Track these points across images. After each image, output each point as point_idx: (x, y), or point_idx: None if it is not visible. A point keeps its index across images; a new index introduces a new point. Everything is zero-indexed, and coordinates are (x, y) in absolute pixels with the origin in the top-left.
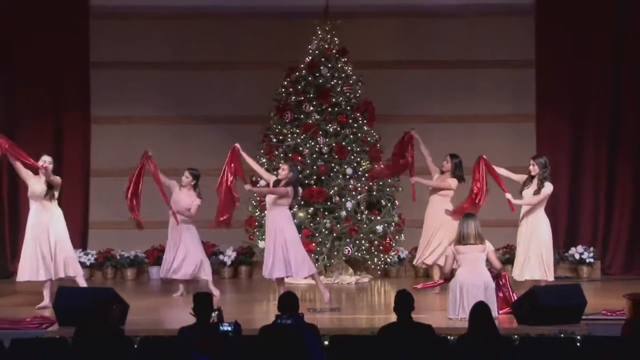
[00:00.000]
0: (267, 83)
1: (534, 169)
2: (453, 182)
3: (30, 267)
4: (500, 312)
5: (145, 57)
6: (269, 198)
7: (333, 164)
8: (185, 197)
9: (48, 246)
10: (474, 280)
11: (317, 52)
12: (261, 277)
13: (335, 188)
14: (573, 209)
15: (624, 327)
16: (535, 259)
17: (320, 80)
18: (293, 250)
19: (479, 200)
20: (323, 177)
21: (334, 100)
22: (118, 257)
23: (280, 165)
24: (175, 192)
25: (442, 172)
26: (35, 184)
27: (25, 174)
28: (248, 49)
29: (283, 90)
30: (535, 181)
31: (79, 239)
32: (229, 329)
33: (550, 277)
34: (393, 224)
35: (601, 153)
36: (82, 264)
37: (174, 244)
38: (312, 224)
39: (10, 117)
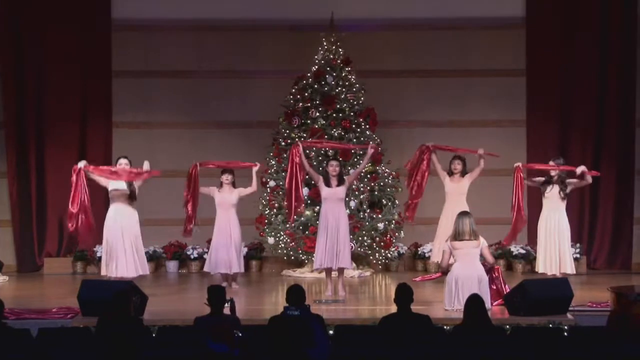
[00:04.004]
0: (276, 90)
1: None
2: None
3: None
4: (493, 303)
5: (164, 66)
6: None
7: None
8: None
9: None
10: (468, 274)
11: (323, 62)
12: (270, 271)
13: None
14: None
15: (608, 318)
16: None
17: (326, 88)
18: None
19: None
20: None
21: (338, 106)
22: None
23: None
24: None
25: (450, 174)
26: (118, 185)
27: (105, 181)
28: (259, 59)
29: (291, 97)
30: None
31: (102, 235)
32: (240, 334)
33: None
34: (393, 221)
35: (587, 154)
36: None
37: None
38: (317, 222)
39: (39, 123)
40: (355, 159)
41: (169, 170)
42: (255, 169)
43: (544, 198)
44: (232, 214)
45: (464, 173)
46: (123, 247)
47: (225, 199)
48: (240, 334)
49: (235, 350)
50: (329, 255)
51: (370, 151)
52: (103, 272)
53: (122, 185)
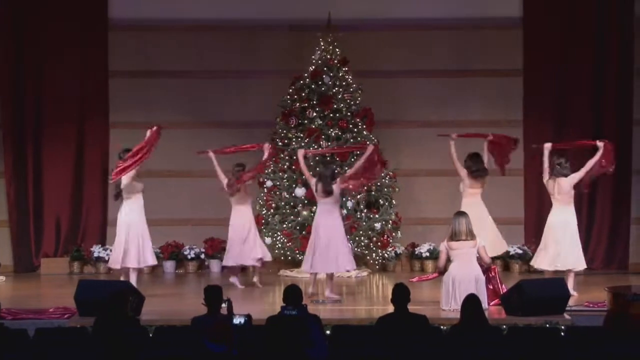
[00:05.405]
0: (274, 91)
1: None
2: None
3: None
4: (490, 303)
5: (161, 66)
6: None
7: (335, 166)
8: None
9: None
10: (465, 274)
11: (320, 62)
12: (267, 271)
13: None
14: None
15: (605, 318)
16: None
17: (323, 88)
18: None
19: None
20: None
21: (335, 106)
22: None
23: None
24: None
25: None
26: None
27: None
28: (257, 59)
29: (288, 97)
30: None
31: (99, 235)
32: (242, 321)
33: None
34: (390, 221)
35: (584, 154)
36: (102, 259)
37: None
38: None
39: (37, 124)
40: (352, 159)
41: (165, 170)
42: (266, 146)
43: (554, 194)
44: (248, 207)
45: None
46: (147, 237)
47: (239, 194)
48: (242, 321)
49: (234, 351)
50: None
51: (368, 150)
52: (119, 265)
53: (140, 185)
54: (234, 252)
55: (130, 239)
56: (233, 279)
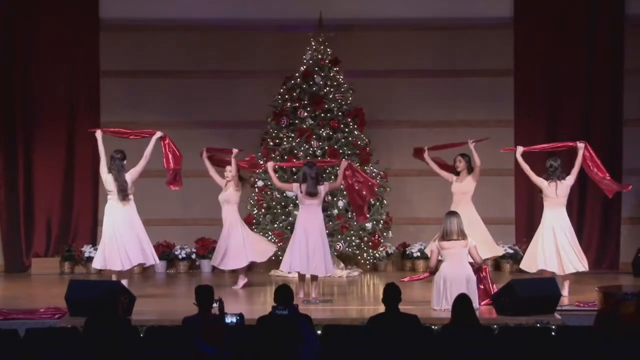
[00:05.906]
0: (265, 90)
1: None
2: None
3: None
4: (481, 303)
5: (152, 66)
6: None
7: (326, 166)
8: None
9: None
10: (456, 274)
11: (311, 62)
12: (258, 271)
13: None
14: None
15: (596, 317)
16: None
17: (314, 88)
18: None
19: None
20: None
21: (326, 106)
22: None
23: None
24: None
25: (457, 173)
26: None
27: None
28: (248, 59)
29: (279, 97)
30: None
31: (89, 235)
32: (234, 320)
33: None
34: (381, 221)
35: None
36: (92, 259)
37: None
38: None
39: (27, 124)
40: (344, 158)
41: (154, 171)
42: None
43: (556, 197)
44: (235, 209)
45: (470, 170)
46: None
47: (230, 195)
48: (235, 320)
49: (225, 352)
50: None
51: (342, 166)
52: (138, 260)
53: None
54: (248, 250)
55: (141, 237)
56: (242, 280)
